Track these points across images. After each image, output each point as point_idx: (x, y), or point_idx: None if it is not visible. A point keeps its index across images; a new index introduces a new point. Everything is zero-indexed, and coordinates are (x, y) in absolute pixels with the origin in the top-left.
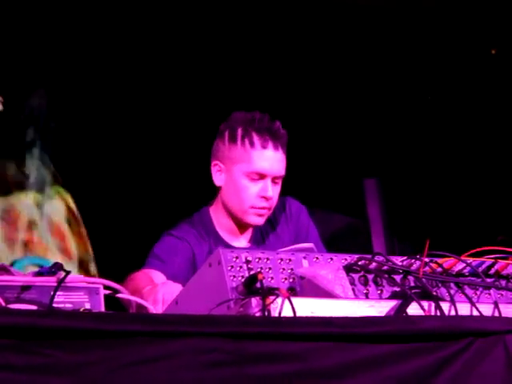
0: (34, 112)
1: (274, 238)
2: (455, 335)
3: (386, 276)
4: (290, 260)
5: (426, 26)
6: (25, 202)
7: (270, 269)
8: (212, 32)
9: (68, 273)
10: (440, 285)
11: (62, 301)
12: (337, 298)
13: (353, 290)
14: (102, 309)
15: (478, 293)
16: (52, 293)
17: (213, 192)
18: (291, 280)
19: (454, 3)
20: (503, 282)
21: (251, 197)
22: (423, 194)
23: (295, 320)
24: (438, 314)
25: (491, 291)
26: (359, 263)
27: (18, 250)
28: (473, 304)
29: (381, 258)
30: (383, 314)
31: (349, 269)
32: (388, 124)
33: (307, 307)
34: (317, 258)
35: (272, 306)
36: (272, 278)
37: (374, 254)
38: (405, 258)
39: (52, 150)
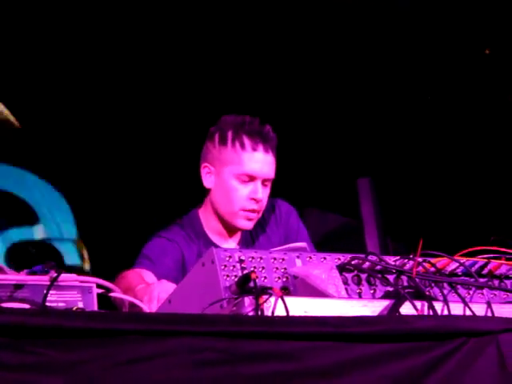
0: None
1: (264, 239)
2: (448, 335)
3: (380, 276)
4: (283, 259)
5: (419, 26)
6: None
7: (263, 268)
8: (201, 36)
9: (61, 272)
10: (433, 284)
11: (55, 300)
12: (330, 297)
13: (346, 289)
14: (95, 308)
15: (471, 292)
16: (45, 292)
17: (202, 194)
18: (284, 279)
19: (448, 3)
20: (496, 282)
21: (241, 199)
22: (416, 193)
23: (288, 319)
24: (431, 313)
25: (484, 291)
26: (352, 263)
27: None
28: (466, 304)
29: (374, 258)
30: (376, 314)
31: (342, 268)
32: (381, 124)
33: (300, 307)
34: (310, 258)
35: (265, 305)
36: (265, 278)
37: (367, 253)
38: (398, 257)
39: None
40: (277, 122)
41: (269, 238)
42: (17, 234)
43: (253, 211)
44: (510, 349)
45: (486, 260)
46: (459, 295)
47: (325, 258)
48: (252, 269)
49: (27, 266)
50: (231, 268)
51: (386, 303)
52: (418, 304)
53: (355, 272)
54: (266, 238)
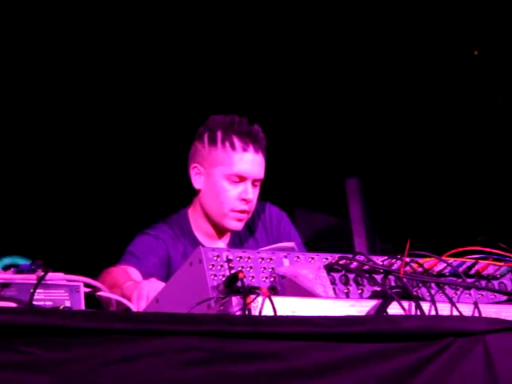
0: None
1: (252, 241)
2: (435, 335)
3: (367, 275)
4: (270, 259)
5: (407, 26)
6: None
7: (250, 268)
8: (189, 36)
9: (48, 270)
10: (421, 285)
11: (42, 298)
12: (317, 297)
13: (333, 289)
14: (83, 307)
15: (459, 293)
16: (32, 290)
17: (191, 194)
18: (272, 279)
19: (436, 5)
20: (483, 283)
21: (231, 199)
22: (405, 194)
23: (276, 319)
24: (419, 313)
25: (471, 291)
26: (340, 262)
27: None
28: (453, 304)
29: (362, 258)
30: (364, 314)
31: (330, 268)
32: (370, 124)
33: (288, 306)
34: (298, 258)
35: (253, 304)
36: (253, 277)
37: (355, 253)
38: (386, 257)
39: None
40: (266, 122)
41: (257, 242)
42: None
43: (243, 212)
44: (496, 349)
45: (473, 260)
46: (446, 295)
47: (312, 258)
48: (239, 268)
49: None
50: (219, 267)
51: (373, 303)
52: (406, 304)
53: (343, 272)
54: (254, 242)
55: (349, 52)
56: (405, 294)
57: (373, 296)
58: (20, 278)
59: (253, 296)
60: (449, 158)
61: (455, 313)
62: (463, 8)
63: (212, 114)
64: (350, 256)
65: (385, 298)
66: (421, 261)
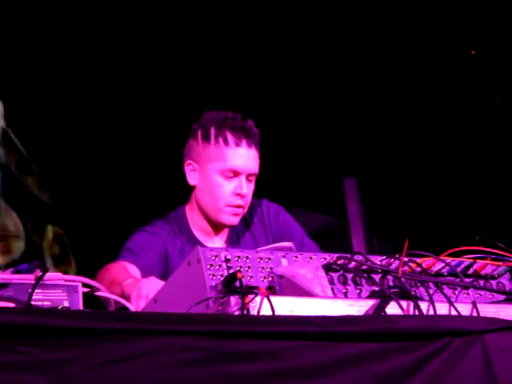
0: None
1: (249, 237)
2: (433, 335)
3: (365, 275)
4: (269, 259)
5: (405, 26)
6: None
7: (249, 267)
8: (184, 34)
9: (46, 270)
10: (419, 284)
11: (40, 298)
12: (316, 297)
13: (332, 289)
14: (81, 306)
15: (457, 292)
16: (30, 290)
17: (189, 192)
18: (270, 279)
19: (433, 5)
20: (481, 282)
21: (226, 194)
22: (403, 193)
23: (274, 319)
24: (417, 313)
25: (470, 291)
26: (338, 262)
27: None
28: (451, 304)
29: (360, 258)
30: (362, 314)
31: (328, 268)
32: (367, 124)
33: (286, 306)
34: (296, 257)
35: (251, 304)
36: (251, 277)
37: (353, 253)
38: (384, 257)
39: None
40: (263, 121)
41: (254, 237)
42: None
43: (238, 206)
44: (495, 349)
45: (471, 260)
46: (445, 295)
47: (311, 258)
48: (238, 268)
49: None
50: (217, 267)
51: (371, 303)
52: (404, 304)
53: (341, 272)
54: (252, 237)
55: (347, 52)
56: (403, 294)
57: (371, 296)
58: (18, 278)
59: (251, 296)
60: (446, 157)
61: (453, 312)
62: (461, 8)
63: (206, 111)
64: (349, 256)
65: (383, 297)
66: (419, 260)
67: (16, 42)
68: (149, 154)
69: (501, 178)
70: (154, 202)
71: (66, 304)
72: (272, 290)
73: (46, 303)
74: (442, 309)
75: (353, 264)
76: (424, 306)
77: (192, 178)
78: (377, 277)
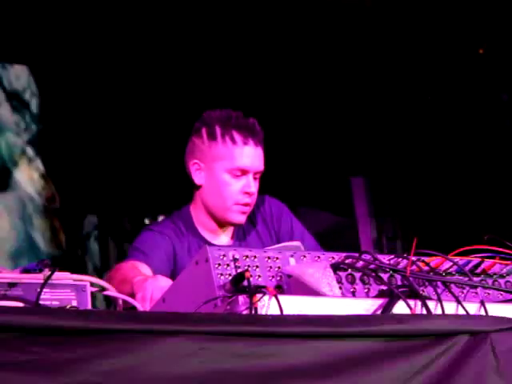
0: None
1: (254, 234)
2: (442, 334)
3: (373, 274)
4: (277, 258)
5: (412, 24)
6: None
7: (257, 267)
8: (185, 32)
9: (54, 270)
10: (427, 283)
11: (48, 298)
12: (324, 296)
13: (340, 288)
14: (89, 306)
15: (465, 292)
16: (38, 290)
17: (192, 192)
18: (278, 278)
19: (441, 3)
20: (490, 281)
21: (234, 193)
22: (410, 192)
23: (282, 318)
24: (425, 312)
25: (478, 290)
26: (346, 262)
27: None
28: (459, 303)
29: (368, 257)
30: (370, 313)
31: (336, 267)
32: (375, 123)
33: (294, 305)
34: (304, 257)
35: (259, 304)
36: (259, 276)
37: (361, 252)
38: (392, 256)
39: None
40: (270, 121)
41: (259, 235)
42: None
43: (246, 205)
44: (503, 348)
45: (479, 259)
46: (453, 294)
47: (319, 257)
48: (246, 267)
49: None
50: (225, 266)
51: (379, 302)
52: (412, 303)
53: (349, 271)
54: (256, 235)
55: (354, 51)
56: (411, 293)
57: (379, 295)
58: (27, 278)
59: (259, 295)
60: (454, 156)
61: (462, 312)
62: (468, 7)
63: (209, 110)
64: (356, 255)
65: (391, 296)
66: (427, 260)
67: (19, 41)
68: (153, 155)
69: (509, 177)
70: (159, 202)
71: (75, 304)
72: (280, 290)
73: (55, 303)
74: (450, 308)
75: (361, 263)
76: (432, 305)
77: (198, 177)
78: (385, 276)
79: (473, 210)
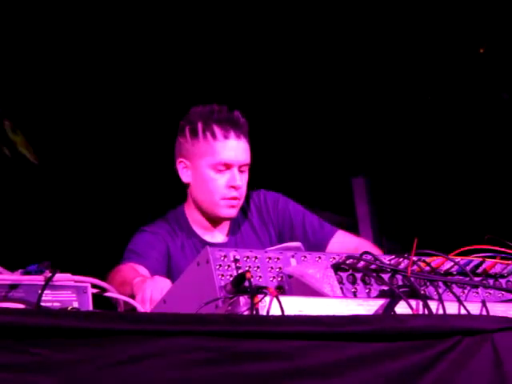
0: None
1: (249, 228)
2: (443, 334)
3: (374, 275)
4: (278, 259)
5: (413, 23)
6: None
7: (258, 267)
8: (184, 35)
9: (56, 272)
10: (428, 283)
11: (49, 299)
12: (325, 296)
13: (341, 288)
14: (90, 307)
15: (466, 291)
16: (40, 291)
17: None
18: (279, 279)
19: (441, 2)
20: (491, 281)
21: (220, 188)
22: (411, 192)
23: (283, 319)
24: (426, 312)
25: (479, 290)
26: (347, 262)
27: None
28: (461, 303)
29: (369, 257)
30: (371, 313)
31: (337, 267)
32: (376, 123)
33: (295, 306)
34: (305, 257)
35: (260, 304)
36: (260, 277)
37: (362, 252)
38: (393, 256)
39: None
40: (271, 122)
41: (254, 229)
42: None
43: (234, 198)
44: (504, 347)
45: (480, 259)
46: (454, 294)
47: (320, 258)
48: (247, 268)
49: None
50: (226, 267)
51: (381, 302)
52: (413, 303)
53: (350, 271)
54: (251, 229)
55: (355, 50)
56: (412, 293)
57: (380, 295)
58: (28, 279)
59: (260, 296)
60: (455, 156)
61: (463, 311)
62: (468, 6)
63: (194, 107)
64: (357, 255)
65: (392, 297)
66: (428, 260)
67: (15, 40)
68: (148, 156)
69: (510, 177)
70: (155, 203)
71: (76, 305)
72: (281, 290)
73: (56, 304)
74: (452, 308)
75: (362, 263)
76: (433, 305)
77: (185, 176)
78: (386, 276)
79: (474, 209)
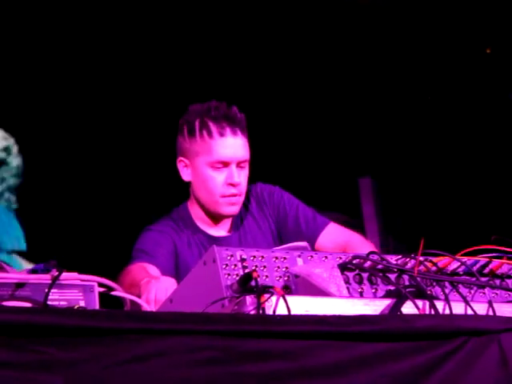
0: None
1: (251, 221)
2: (449, 334)
3: (381, 275)
4: (284, 258)
5: (420, 24)
6: None
7: (264, 267)
8: (190, 35)
9: (62, 270)
10: (434, 284)
11: (56, 298)
12: (331, 296)
13: (347, 288)
14: (97, 306)
15: (473, 292)
16: (46, 290)
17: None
18: (286, 278)
19: (448, 2)
20: (497, 281)
21: (219, 186)
22: (418, 193)
23: (289, 318)
24: (433, 312)
25: (486, 290)
26: (354, 262)
27: None
28: (467, 303)
29: (375, 257)
30: (378, 313)
31: (343, 267)
32: (383, 123)
33: (302, 305)
34: (311, 257)
35: (266, 304)
36: (267, 277)
37: (368, 252)
38: (399, 256)
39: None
40: (279, 123)
41: (256, 221)
42: None
43: (233, 195)
44: (511, 348)
45: (487, 259)
46: (461, 294)
47: (326, 257)
48: (253, 268)
49: None
50: (232, 267)
51: (387, 302)
52: (420, 303)
53: (357, 271)
54: (254, 221)
55: (361, 51)
56: (419, 293)
57: (387, 295)
58: (34, 278)
59: (267, 295)
60: (462, 156)
61: (469, 312)
62: (475, 6)
63: (192, 105)
64: (364, 255)
65: (399, 297)
66: (435, 260)
67: (14, 40)
68: (152, 155)
69: None
70: (160, 202)
71: (82, 304)
72: (287, 290)
73: (62, 303)
74: (458, 308)
75: (368, 263)
76: (440, 305)
77: (185, 175)
78: (392, 276)
79: (480, 210)
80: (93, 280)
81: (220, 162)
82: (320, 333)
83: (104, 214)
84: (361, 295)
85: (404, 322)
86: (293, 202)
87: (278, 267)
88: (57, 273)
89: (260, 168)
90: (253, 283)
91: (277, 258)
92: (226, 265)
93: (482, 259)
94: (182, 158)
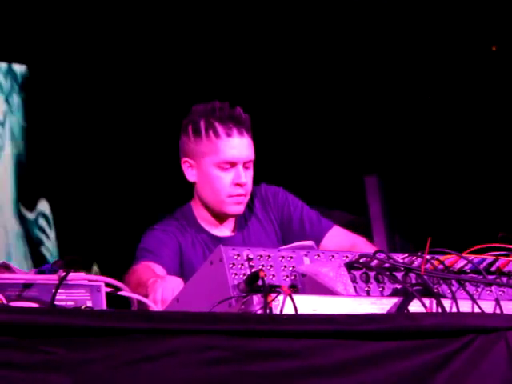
0: None
1: (255, 222)
2: (456, 332)
3: (388, 273)
4: (291, 257)
5: (425, 22)
6: None
7: (271, 266)
8: (193, 34)
9: (69, 271)
10: (441, 282)
11: (63, 298)
12: (338, 295)
13: (354, 287)
14: (104, 306)
15: (480, 290)
16: (53, 291)
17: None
18: (293, 277)
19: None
20: (504, 279)
21: (226, 186)
22: (424, 190)
23: (296, 317)
24: (440, 311)
25: (493, 288)
26: (360, 260)
27: None
28: (474, 301)
29: (382, 256)
30: (385, 312)
31: (350, 266)
32: (389, 121)
33: (309, 305)
34: (318, 256)
35: (274, 303)
36: (273, 276)
37: (375, 251)
38: (406, 255)
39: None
40: (285, 121)
41: (260, 222)
42: None
43: (240, 195)
44: None
45: (494, 257)
46: (468, 292)
47: (333, 256)
48: (260, 267)
49: None
50: (239, 266)
51: (394, 301)
52: (427, 301)
53: (363, 270)
54: (258, 222)
55: (366, 49)
56: (426, 292)
57: (394, 294)
58: (42, 279)
59: (274, 294)
60: (468, 154)
61: (476, 310)
62: (481, 3)
63: (196, 105)
64: (371, 254)
65: (406, 295)
66: (441, 258)
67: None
68: (156, 156)
69: None
70: (164, 202)
71: (90, 304)
72: (294, 289)
73: (70, 303)
74: (465, 306)
75: (375, 262)
76: (447, 303)
77: (190, 175)
78: (399, 275)
79: (487, 208)
80: (100, 280)
81: (227, 162)
82: (328, 332)
83: (108, 215)
84: (368, 294)
85: (411, 320)
86: (297, 204)
87: (285, 266)
88: (64, 273)
89: (265, 167)
90: (260, 282)
91: (283, 257)
92: (233, 264)
93: (489, 257)
94: (187, 159)
